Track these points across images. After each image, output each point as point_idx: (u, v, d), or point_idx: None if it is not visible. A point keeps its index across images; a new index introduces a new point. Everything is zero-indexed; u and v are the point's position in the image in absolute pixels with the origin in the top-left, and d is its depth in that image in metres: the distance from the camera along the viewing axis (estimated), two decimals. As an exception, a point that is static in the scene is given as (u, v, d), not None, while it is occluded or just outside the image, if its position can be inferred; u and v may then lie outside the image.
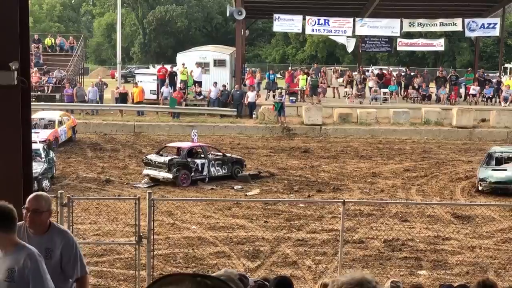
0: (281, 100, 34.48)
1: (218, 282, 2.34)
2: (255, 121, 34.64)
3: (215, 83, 38.16)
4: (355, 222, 18.05)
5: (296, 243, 16.25)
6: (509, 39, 71.94)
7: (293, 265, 14.67)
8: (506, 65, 49.29)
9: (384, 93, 39.66)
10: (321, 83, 40.79)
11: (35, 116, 28.75)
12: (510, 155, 23.66)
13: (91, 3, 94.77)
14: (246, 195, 21.62)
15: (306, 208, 19.55)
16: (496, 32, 41.90)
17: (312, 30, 41.48)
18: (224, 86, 38.29)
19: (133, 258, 13.09)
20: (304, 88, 39.81)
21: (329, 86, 42.55)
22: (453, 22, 40.99)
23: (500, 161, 23.47)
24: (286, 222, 18.12)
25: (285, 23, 41.02)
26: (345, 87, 41.38)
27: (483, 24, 40.59)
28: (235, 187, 22.59)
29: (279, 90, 37.32)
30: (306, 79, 40.47)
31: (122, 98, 37.65)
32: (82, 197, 18.27)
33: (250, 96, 36.43)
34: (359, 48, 45.85)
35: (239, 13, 38.37)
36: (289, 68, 45.39)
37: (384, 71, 47.46)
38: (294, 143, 31.38)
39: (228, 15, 42.59)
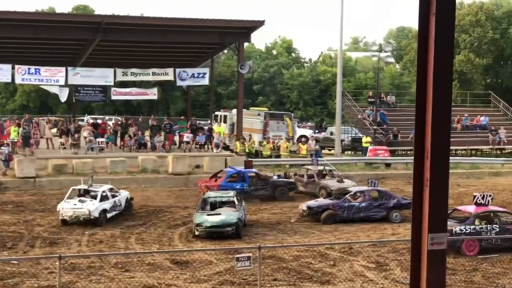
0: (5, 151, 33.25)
1: None
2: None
3: None
4: (74, 276, 17.46)
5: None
6: (219, 87, 75.88)
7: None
8: (216, 113, 51.71)
9: (100, 143, 39.39)
10: (34, 134, 39.38)
11: None
12: (223, 200, 24.65)
13: None
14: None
15: (21, 265, 18.49)
16: (206, 81, 43.65)
17: (23, 79, 40.06)
18: None
19: None
20: (16, 140, 38.14)
21: (42, 137, 41.22)
22: (165, 72, 42.06)
23: (214, 206, 24.33)
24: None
25: (-6, 72, 39.11)
26: (60, 138, 40.40)
27: (193, 74, 42.17)
28: None
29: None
30: (18, 130, 38.88)
31: None
32: None
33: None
34: (73, 98, 45.16)
35: None
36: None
37: (99, 121, 47.24)
38: (6, 197, 29.79)
39: None
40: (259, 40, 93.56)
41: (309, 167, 33.96)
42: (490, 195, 21.28)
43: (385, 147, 43.83)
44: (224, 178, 30.61)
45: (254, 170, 31.99)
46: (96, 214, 24.38)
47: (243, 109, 43.53)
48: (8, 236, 22.29)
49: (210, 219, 22.59)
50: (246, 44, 44.49)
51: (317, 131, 60.78)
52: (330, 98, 72.99)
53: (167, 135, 42.04)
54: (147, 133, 43.19)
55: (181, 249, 21.02)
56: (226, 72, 78.72)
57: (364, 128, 49.44)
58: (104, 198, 25.23)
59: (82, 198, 25.27)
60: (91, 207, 24.41)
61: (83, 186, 26.24)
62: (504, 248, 19.87)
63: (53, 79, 39.63)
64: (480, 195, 21.09)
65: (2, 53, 44.05)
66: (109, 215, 25.18)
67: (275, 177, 32.03)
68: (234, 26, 40.24)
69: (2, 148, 34.63)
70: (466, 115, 51.12)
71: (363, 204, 25.64)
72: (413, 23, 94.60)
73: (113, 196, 25.96)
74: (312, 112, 75.90)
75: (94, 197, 25.08)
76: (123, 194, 27.02)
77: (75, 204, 24.67)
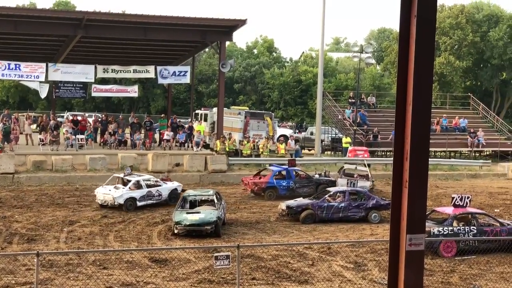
0: None
1: None
2: None
3: None
4: (52, 273, 17.37)
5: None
6: (199, 86, 75.76)
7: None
8: (197, 111, 51.60)
9: (80, 139, 39.20)
10: (13, 129, 39.10)
11: None
12: (203, 198, 24.63)
13: None
14: None
15: (-2, 262, 18.37)
16: (187, 79, 43.59)
17: (2, 75, 39.69)
18: None
19: None
20: (-5, 135, 37.92)
21: (21, 133, 40.94)
22: (146, 70, 41.94)
23: (194, 204, 24.31)
24: (-25, 279, 16.82)
25: (-26, 68, 38.77)
26: (39, 134, 40.16)
27: (174, 72, 42.07)
28: None
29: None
30: (-3, 125, 38.65)
31: None
32: None
33: None
34: (53, 94, 44.90)
35: None
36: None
37: (80, 117, 47.00)
38: (-16, 194, 29.58)
39: None
40: (241, 39, 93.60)
41: (347, 166, 34.56)
42: (468, 197, 21.43)
43: (364, 148, 44.00)
44: (271, 175, 31.40)
45: (297, 168, 32.81)
46: (121, 201, 26.17)
47: (224, 108, 43.51)
48: (-15, 232, 22.12)
49: (189, 217, 22.56)
50: (227, 43, 44.48)
51: (297, 130, 60.88)
52: (310, 98, 73.14)
53: (147, 133, 41.95)
54: (127, 130, 43.06)
55: (160, 247, 20.97)
56: (207, 71, 78.60)
57: (344, 129, 49.62)
58: (137, 187, 26.86)
59: (118, 185, 27.13)
60: (116, 194, 26.15)
61: (121, 174, 28.12)
62: (481, 249, 20.02)
63: (33, 75, 39.37)
64: (458, 196, 21.23)
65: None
66: (140, 204, 26.77)
67: (316, 176, 32.87)
68: (216, 25, 40.19)
69: None
70: (444, 116, 51.50)
71: (342, 204, 25.73)
72: (395, 25, 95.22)
73: (150, 186, 27.32)
74: (293, 112, 76.02)
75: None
76: (167, 186, 28.34)
77: (109, 190, 26.64)
